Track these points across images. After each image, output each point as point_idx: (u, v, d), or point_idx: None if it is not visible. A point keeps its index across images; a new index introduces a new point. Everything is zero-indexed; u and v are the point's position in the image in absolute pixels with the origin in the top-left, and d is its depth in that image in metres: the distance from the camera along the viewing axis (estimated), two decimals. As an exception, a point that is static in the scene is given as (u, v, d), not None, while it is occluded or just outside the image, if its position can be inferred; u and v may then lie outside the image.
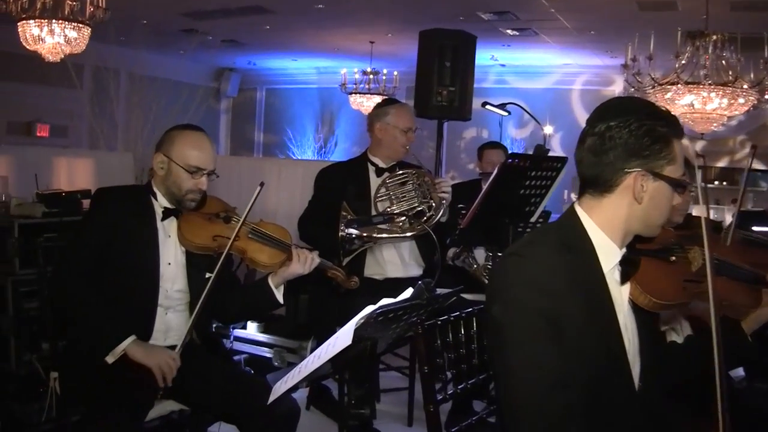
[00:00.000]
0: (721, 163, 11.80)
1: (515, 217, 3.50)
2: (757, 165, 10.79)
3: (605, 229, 1.84)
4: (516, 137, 13.02)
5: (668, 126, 1.81)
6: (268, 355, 4.99)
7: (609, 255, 1.85)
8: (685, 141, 1.80)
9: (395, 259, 3.95)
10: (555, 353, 1.66)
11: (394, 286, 3.46)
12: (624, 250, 1.90)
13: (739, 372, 3.03)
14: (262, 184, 2.78)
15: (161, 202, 2.87)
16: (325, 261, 3.06)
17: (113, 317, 2.66)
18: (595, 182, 1.84)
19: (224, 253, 2.75)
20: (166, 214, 2.85)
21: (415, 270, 3.99)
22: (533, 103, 10.67)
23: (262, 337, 5.10)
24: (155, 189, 2.88)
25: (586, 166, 1.84)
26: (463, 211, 3.94)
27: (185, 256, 2.87)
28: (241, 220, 2.80)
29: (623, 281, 1.89)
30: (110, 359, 2.60)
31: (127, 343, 2.62)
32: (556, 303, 1.68)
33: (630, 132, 1.77)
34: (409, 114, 4.01)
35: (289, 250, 2.93)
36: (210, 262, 2.82)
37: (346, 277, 3.12)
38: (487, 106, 4.93)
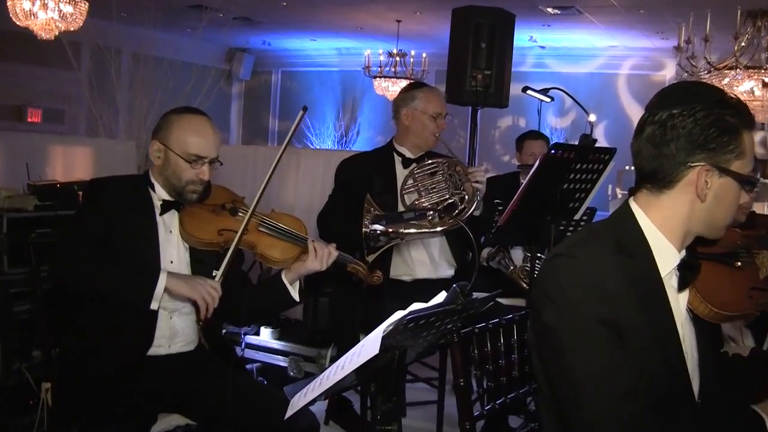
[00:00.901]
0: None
1: (557, 215, 3.49)
2: None
3: (663, 229, 1.82)
4: (556, 126, 12.98)
5: (738, 116, 1.77)
6: (283, 364, 4.98)
7: (667, 258, 1.82)
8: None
9: (424, 258, 3.92)
10: (620, 360, 1.67)
11: (424, 288, 3.45)
12: (683, 253, 1.86)
13: None
14: (305, 109, 2.75)
15: (160, 194, 2.82)
16: (345, 255, 3.03)
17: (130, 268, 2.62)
18: (654, 177, 1.81)
19: (231, 249, 2.72)
20: (166, 207, 2.81)
21: (447, 270, 3.96)
22: (576, 89, 10.53)
23: (276, 344, 5.08)
24: (153, 180, 2.84)
25: (645, 159, 1.81)
26: (500, 207, 3.93)
27: (189, 253, 2.84)
28: (250, 211, 2.76)
29: (681, 288, 1.87)
30: (155, 305, 2.58)
31: (164, 281, 2.58)
32: (614, 308, 1.68)
33: (695, 121, 1.73)
34: (440, 98, 3.99)
35: (304, 243, 2.90)
36: (217, 259, 2.78)
37: (368, 272, 3.08)
38: (529, 92, 4.87)
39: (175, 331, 2.79)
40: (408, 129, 3.92)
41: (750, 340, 2.57)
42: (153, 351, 2.74)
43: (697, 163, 1.75)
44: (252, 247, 2.86)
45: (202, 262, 2.84)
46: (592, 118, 11.63)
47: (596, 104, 12.15)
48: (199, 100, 7.23)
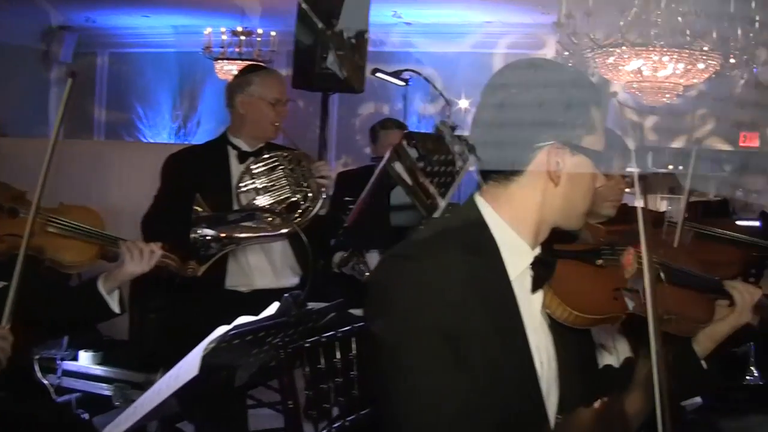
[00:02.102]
0: (677, 143, 12.06)
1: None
2: (721, 145, 11.16)
3: (514, 223, 1.84)
4: (425, 113, 13.03)
5: (583, 88, 1.82)
6: (108, 393, 4.76)
7: (518, 256, 1.84)
8: (632, 115, 1.81)
9: (264, 266, 3.89)
10: (457, 378, 1.66)
11: (265, 299, 3.41)
12: (538, 250, 1.89)
13: (695, 400, 3.09)
14: (73, 75, 2.68)
15: None
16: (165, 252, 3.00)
17: None
18: (499, 165, 1.83)
19: (20, 257, 2.56)
20: None
21: (290, 279, 3.93)
22: (447, 71, 10.71)
23: (98, 370, 4.87)
24: None
25: (487, 147, 1.84)
26: (351, 207, 3.94)
27: None
28: (33, 207, 2.57)
29: (534, 289, 1.88)
30: None
31: None
32: (457, 317, 1.68)
33: (539, 97, 1.77)
34: (279, 82, 4.00)
35: (103, 237, 2.83)
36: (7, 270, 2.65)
37: (181, 263, 3.05)
38: (378, 74, 4.90)
39: None
40: (244, 118, 3.87)
41: (625, 348, 2.63)
42: None
43: (546, 143, 1.77)
44: (40, 252, 2.74)
45: None
46: (464, 103, 11.83)
47: (470, 87, 12.15)
48: (10, 86, 6.90)
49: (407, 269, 1.73)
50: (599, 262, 2.04)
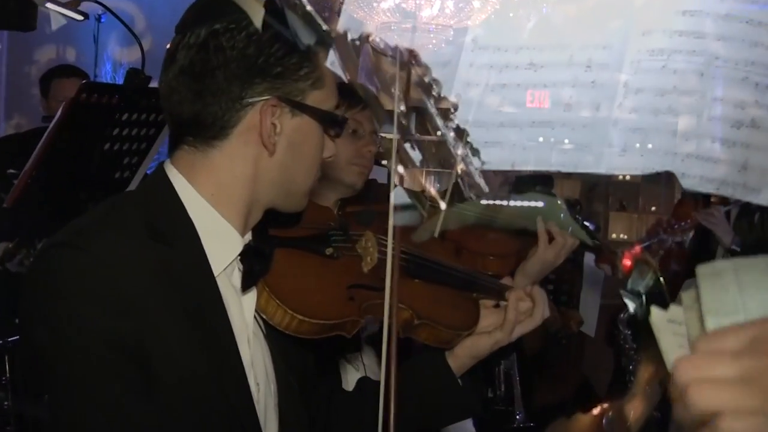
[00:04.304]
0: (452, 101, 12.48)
1: (97, 190, 3.35)
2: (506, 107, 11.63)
3: (216, 201, 1.72)
4: (122, 60, 12.47)
5: (308, 28, 1.54)
6: None
7: (223, 244, 1.72)
8: (390, 66, 1.67)
9: None
10: (141, 407, 1.55)
11: None
12: (249, 237, 1.79)
13: (468, 427, 3.11)
14: None
15: None
16: None
17: None
18: (198, 125, 1.70)
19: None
20: None
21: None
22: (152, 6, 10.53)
23: None
24: None
25: (182, 101, 1.70)
26: (15, 181, 3.72)
27: None
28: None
29: (245, 287, 1.77)
30: None
31: None
32: (140, 325, 1.55)
33: (249, 37, 1.64)
34: None
35: None
36: None
37: None
38: (49, 5, 4.64)
39: None
40: None
41: (374, 361, 2.58)
42: None
43: (258, 98, 1.66)
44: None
45: None
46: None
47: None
48: None
49: (70, 261, 1.58)
50: (329, 251, 1.96)
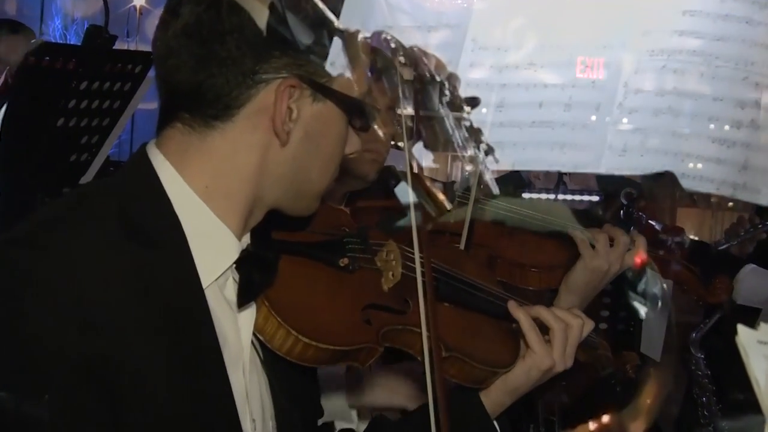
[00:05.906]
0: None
1: (48, 176, 3.01)
2: (548, 75, 11.22)
3: (211, 196, 1.46)
4: (76, 14, 11.54)
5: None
6: None
7: (215, 250, 1.47)
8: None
9: None
10: None
11: None
12: (247, 240, 1.53)
13: None
14: None
15: None
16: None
17: None
18: (198, 100, 1.45)
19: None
20: None
21: None
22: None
23: None
24: None
25: (178, 67, 1.45)
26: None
27: None
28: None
29: (242, 303, 1.51)
30: None
31: None
32: (111, 344, 1.30)
33: (262, 5, 1.38)
34: None
35: None
36: None
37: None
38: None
39: None
40: None
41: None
42: None
43: (275, 74, 1.42)
44: None
45: None
46: (140, 1, 10.74)
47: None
48: None
49: (23, 263, 1.33)
50: (344, 262, 1.67)
